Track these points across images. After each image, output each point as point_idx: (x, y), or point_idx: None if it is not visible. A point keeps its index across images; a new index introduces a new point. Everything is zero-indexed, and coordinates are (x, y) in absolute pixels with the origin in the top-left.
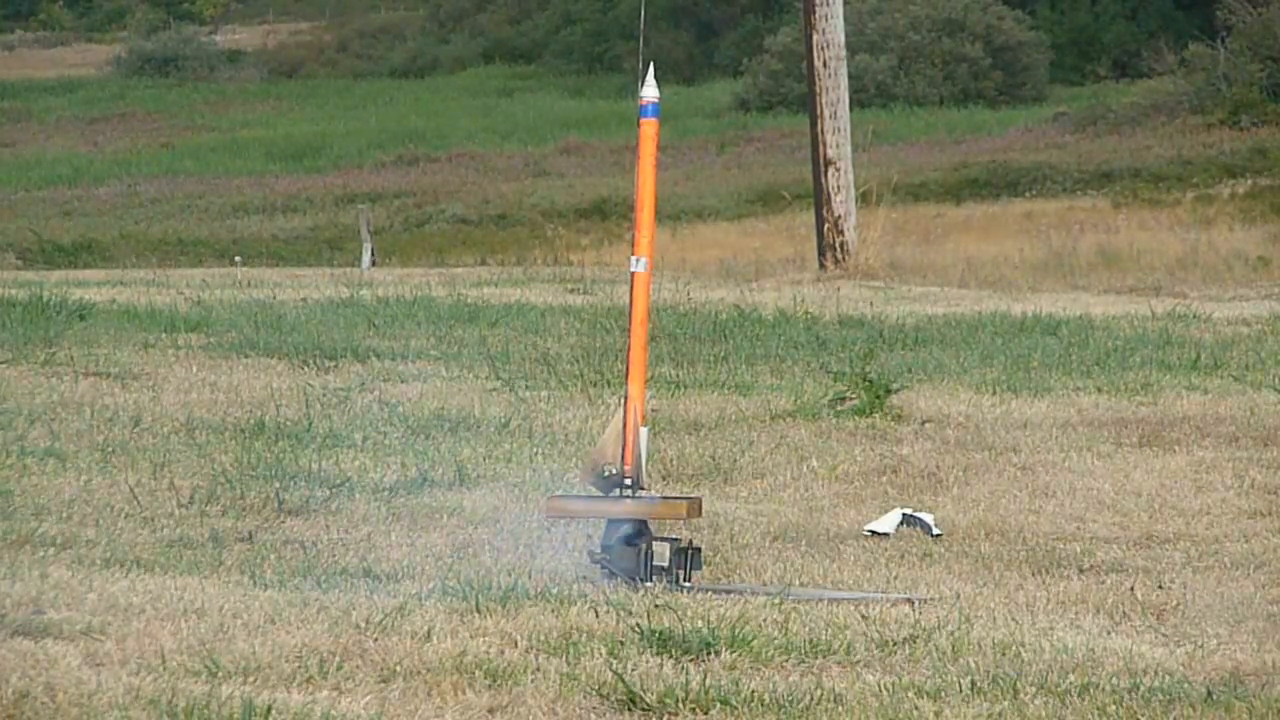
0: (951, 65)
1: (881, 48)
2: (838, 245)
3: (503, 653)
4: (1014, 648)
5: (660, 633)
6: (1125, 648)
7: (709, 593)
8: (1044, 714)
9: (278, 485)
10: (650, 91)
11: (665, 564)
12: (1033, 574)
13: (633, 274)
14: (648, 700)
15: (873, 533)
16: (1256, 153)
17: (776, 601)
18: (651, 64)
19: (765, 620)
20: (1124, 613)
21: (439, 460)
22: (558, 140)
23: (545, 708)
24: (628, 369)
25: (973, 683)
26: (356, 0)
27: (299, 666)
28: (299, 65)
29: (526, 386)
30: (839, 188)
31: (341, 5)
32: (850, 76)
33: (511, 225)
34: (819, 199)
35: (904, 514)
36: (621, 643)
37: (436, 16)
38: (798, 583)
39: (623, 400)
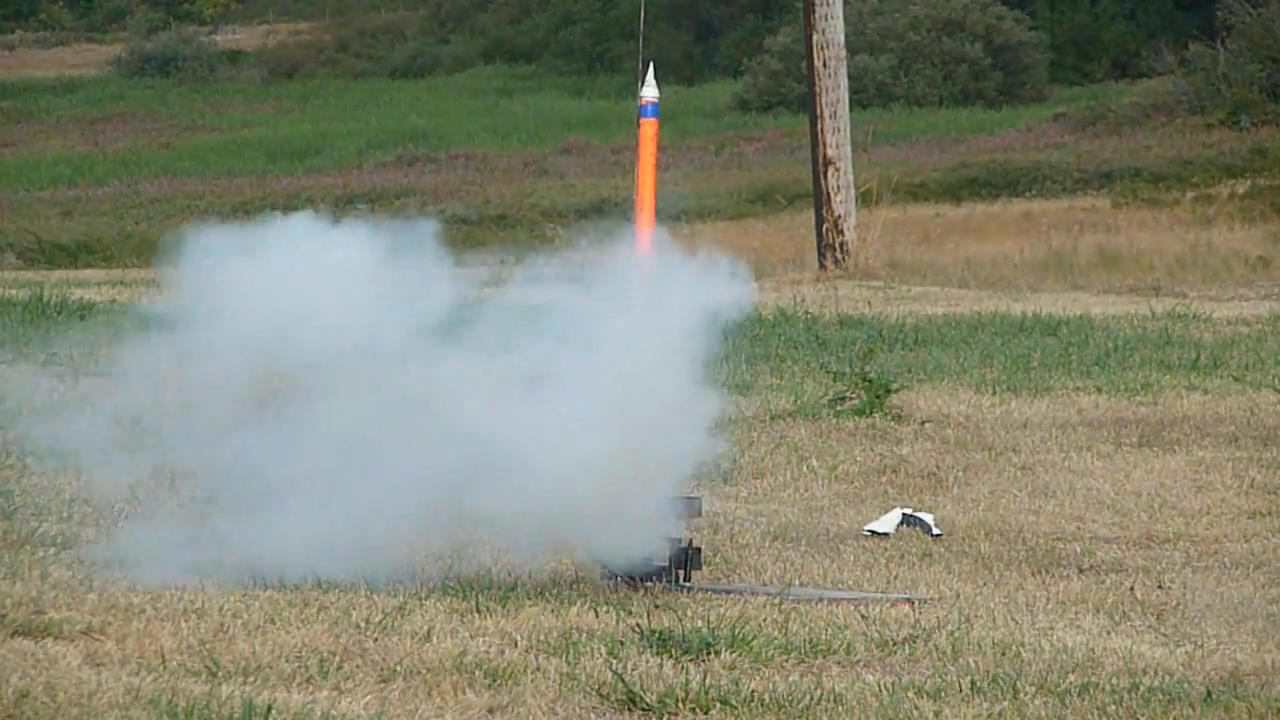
0: (951, 65)
1: (881, 48)
2: (838, 245)
3: (503, 653)
4: (1014, 648)
5: (660, 633)
6: (1125, 648)
7: (709, 593)
8: (1044, 714)
9: None
10: (650, 91)
11: (665, 564)
12: (1033, 574)
13: None
14: (648, 700)
15: (873, 533)
16: (1256, 153)
17: (776, 601)
18: (651, 64)
19: (765, 620)
20: (1124, 613)
21: None
22: (558, 140)
23: (545, 708)
24: None
25: (973, 683)
26: (356, 0)
27: (299, 666)
28: (299, 65)
29: None
30: (839, 188)
31: (341, 5)
32: (850, 76)
33: (511, 225)
34: (819, 199)
35: (904, 514)
36: (621, 643)
37: (436, 16)
38: (798, 583)
39: None
